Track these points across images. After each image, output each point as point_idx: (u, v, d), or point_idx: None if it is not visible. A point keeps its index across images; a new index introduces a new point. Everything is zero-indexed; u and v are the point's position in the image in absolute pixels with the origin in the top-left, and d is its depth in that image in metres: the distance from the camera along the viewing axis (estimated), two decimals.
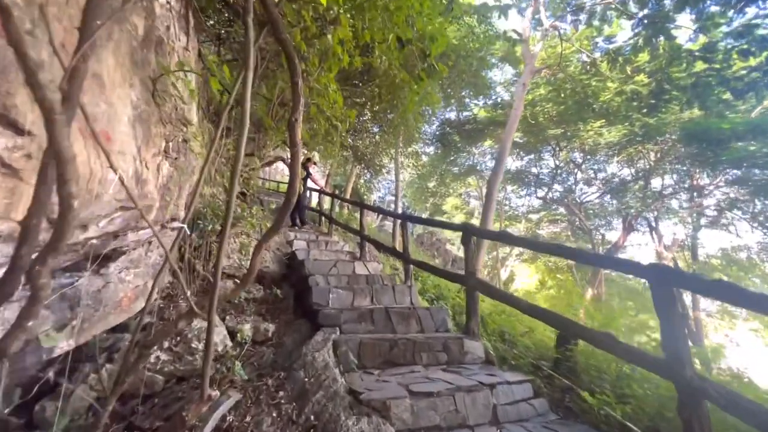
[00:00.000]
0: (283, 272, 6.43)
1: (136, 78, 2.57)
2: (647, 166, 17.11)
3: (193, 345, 3.48)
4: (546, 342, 4.89)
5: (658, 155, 15.66)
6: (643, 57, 12.65)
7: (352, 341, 3.72)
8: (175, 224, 4.74)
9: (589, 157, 18.44)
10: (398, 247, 6.84)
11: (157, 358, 3.30)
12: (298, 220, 9.04)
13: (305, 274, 5.73)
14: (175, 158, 4.13)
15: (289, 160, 7.57)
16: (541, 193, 22.64)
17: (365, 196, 29.64)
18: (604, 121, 14.56)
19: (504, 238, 4.41)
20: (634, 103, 12.26)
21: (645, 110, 12.09)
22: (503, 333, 5.28)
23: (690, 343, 2.41)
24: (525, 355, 4.12)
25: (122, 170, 2.33)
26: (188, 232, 4.95)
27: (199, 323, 3.78)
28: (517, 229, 27.96)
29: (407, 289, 5.35)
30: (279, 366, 3.60)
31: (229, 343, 3.93)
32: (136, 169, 2.64)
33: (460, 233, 4.51)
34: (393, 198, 32.59)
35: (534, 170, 24.51)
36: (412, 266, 5.71)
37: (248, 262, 6.38)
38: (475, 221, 29.48)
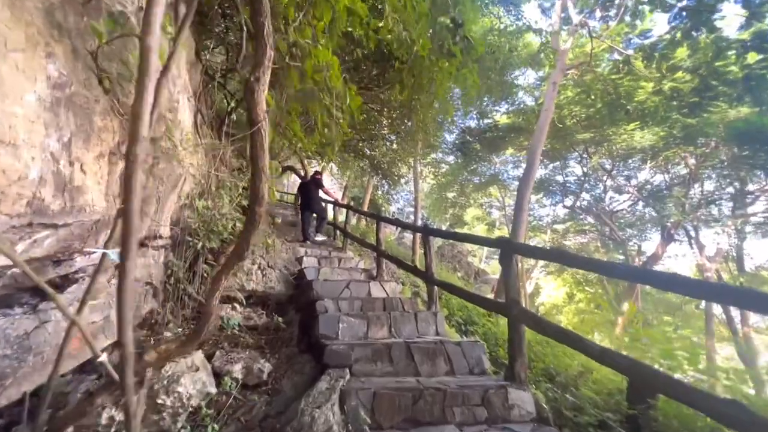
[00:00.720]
0: (290, 293, 5.65)
1: (57, 46, 1.82)
2: (686, 171, 15.75)
3: (159, 400, 2.69)
4: (607, 383, 3.89)
5: (700, 159, 14.32)
6: (682, 52, 11.56)
7: (365, 391, 2.86)
8: (159, 242, 4.03)
9: (621, 162, 17.17)
10: (419, 263, 5.96)
11: (111, 418, 2.51)
12: (311, 234, 8.20)
13: (313, 297, 4.92)
14: (152, 165, 3.42)
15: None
16: (568, 202, 21.35)
17: (383, 208, 28.82)
18: (638, 123, 13.41)
19: (555, 256, 3.50)
20: (674, 103, 11.12)
21: (686, 110, 10.92)
22: (551, 372, 4.30)
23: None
24: (588, 409, 3.16)
25: (18, 170, 1.58)
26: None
27: (173, 367, 2.99)
28: (542, 241, 26.58)
29: (432, 317, 4.47)
30: (270, 426, 2.77)
31: (213, 391, 3.13)
32: (59, 171, 1.88)
33: (497, 250, 3.63)
34: (412, 209, 31.73)
35: (559, 178, 23.31)
36: (437, 288, 4.82)
37: (252, 281, 5.63)
38: (499, 233, 28.25)
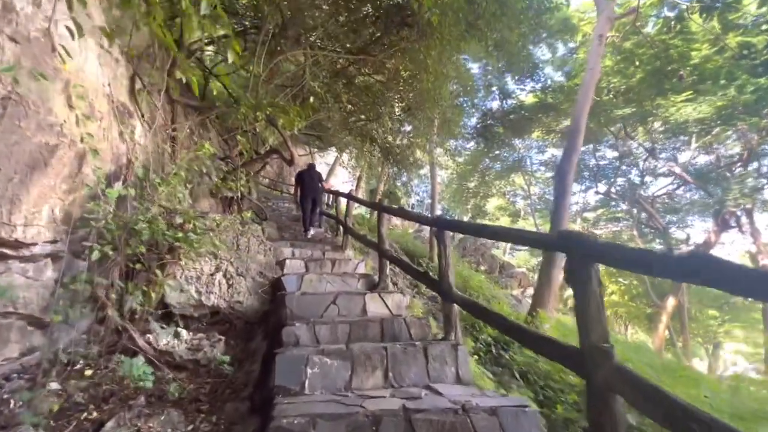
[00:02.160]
0: (264, 309, 4.22)
1: None
2: (742, 149, 13.40)
3: None
4: None
5: (762, 132, 12.01)
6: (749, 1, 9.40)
7: None
8: (34, 251, 2.64)
9: (666, 141, 14.93)
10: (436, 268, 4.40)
11: None
12: (310, 224, 7.20)
13: (284, 319, 3.46)
14: None
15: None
16: (600, 188, 19.15)
17: (402, 200, 27.17)
18: (690, 93, 11.27)
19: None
20: (743, 61, 8.99)
21: (761, 68, 8.79)
22: None
23: None
24: None
25: None
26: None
27: None
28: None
29: (450, 352, 2.92)
30: None
31: None
32: None
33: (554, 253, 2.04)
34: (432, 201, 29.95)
35: (592, 161, 21.05)
36: (457, 307, 3.24)
37: (213, 294, 4.21)
38: (524, 224, 26.17)
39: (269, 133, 5.55)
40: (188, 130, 5.69)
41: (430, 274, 3.54)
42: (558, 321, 6.82)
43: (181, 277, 3.98)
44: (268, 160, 6.19)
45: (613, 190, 17.95)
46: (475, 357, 4.86)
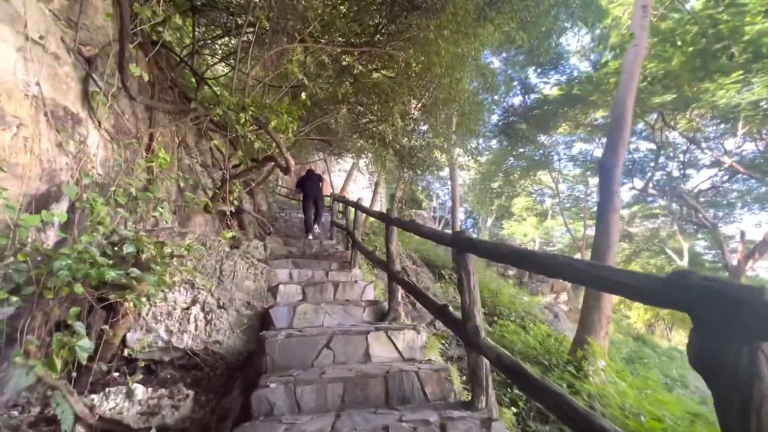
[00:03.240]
0: (249, 349, 3.41)
1: None
2: None
3: None
4: None
5: None
6: None
7: None
8: None
9: (713, 127, 13.33)
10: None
11: None
12: (313, 224, 7.45)
13: (262, 369, 2.64)
14: None
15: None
16: (637, 183, 17.51)
17: (424, 203, 26.05)
18: (741, 73, 9.82)
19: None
20: None
21: None
22: None
23: None
24: None
25: None
26: None
27: None
28: None
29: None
30: None
31: None
32: None
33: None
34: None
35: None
36: (487, 362, 2.29)
37: (188, 334, 3.42)
38: (553, 224, 24.58)
39: (263, 141, 4.74)
40: (173, 139, 5.02)
41: (451, 310, 2.59)
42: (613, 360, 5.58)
43: (147, 314, 3.23)
44: (264, 169, 5.45)
45: (650, 185, 16.30)
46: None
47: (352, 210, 6.01)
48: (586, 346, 4.74)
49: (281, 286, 4.02)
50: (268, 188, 10.40)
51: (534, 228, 25.52)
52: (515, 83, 15.74)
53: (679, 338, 23.50)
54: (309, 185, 7.57)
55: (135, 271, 2.50)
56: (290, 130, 4.56)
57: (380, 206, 19.89)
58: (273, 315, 3.47)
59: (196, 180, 5.56)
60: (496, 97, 15.35)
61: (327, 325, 3.50)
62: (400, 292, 3.78)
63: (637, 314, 23.50)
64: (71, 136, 2.96)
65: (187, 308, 3.43)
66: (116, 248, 2.75)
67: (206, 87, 5.67)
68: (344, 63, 6.82)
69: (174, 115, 4.37)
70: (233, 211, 5.85)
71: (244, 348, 3.42)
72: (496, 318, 6.09)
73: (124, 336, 3.14)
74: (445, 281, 7.30)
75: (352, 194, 16.38)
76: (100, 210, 2.65)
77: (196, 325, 3.39)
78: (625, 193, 21.81)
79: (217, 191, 5.20)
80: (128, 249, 2.68)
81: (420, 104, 7.25)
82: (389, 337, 3.04)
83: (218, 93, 4.27)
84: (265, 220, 6.64)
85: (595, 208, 22.57)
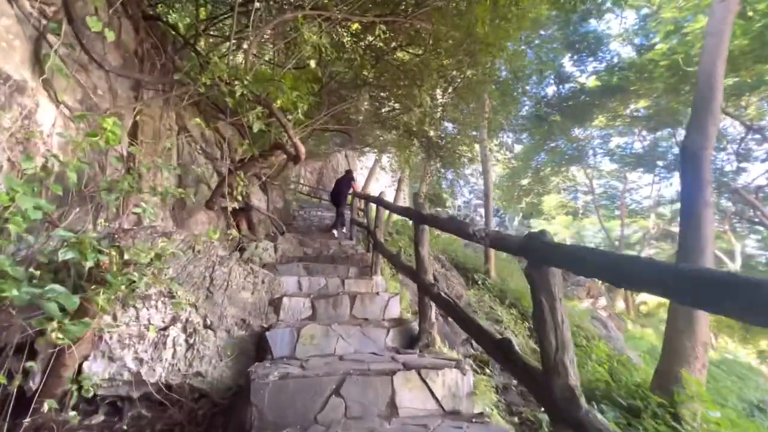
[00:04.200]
0: (240, 383, 2.60)
1: None
2: None
3: None
4: None
5: None
6: None
7: None
8: None
9: None
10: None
11: None
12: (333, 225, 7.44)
13: (244, 428, 1.81)
14: None
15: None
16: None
17: (447, 201, 24.88)
18: None
19: None
20: None
21: None
22: None
23: None
24: None
25: None
26: None
27: None
28: (643, 227, 20.82)
29: None
30: None
31: None
32: None
33: None
34: (479, 201, 27.35)
35: (661, 148, 17.67)
36: None
37: (162, 363, 2.62)
38: (587, 222, 22.92)
39: (267, 124, 3.92)
40: (169, 124, 4.30)
41: (518, 350, 1.65)
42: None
43: (111, 338, 2.48)
44: (275, 161, 4.68)
45: None
46: None
47: (374, 206, 5.16)
48: (685, 386, 3.54)
49: (286, 299, 3.19)
50: (286, 184, 9.69)
51: (564, 227, 23.94)
52: (548, 72, 14.45)
53: (726, 345, 21.39)
54: (337, 186, 7.69)
55: (56, 289, 1.71)
56: (299, 110, 3.74)
57: (404, 204, 18.98)
58: (271, 340, 2.65)
59: (199, 172, 4.83)
60: (527, 87, 14.18)
61: (340, 353, 2.65)
62: (434, 309, 2.87)
63: None
64: (6, 106, 2.23)
65: (165, 329, 2.66)
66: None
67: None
68: (365, 42, 5.96)
69: (157, 90, 3.63)
70: (241, 208, 5.12)
71: (233, 381, 2.61)
72: None
73: (81, 365, 2.40)
74: (478, 287, 6.33)
75: (373, 193, 15.58)
76: (25, 204, 1.88)
77: (175, 352, 2.61)
78: (666, 188, 20.02)
79: (218, 185, 4.45)
80: (65, 255, 1.91)
81: (450, 88, 6.28)
82: (423, 380, 2.16)
83: (209, 60, 3.51)
84: (276, 218, 5.88)
85: (633, 206, 20.83)
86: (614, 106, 14.94)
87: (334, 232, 7.23)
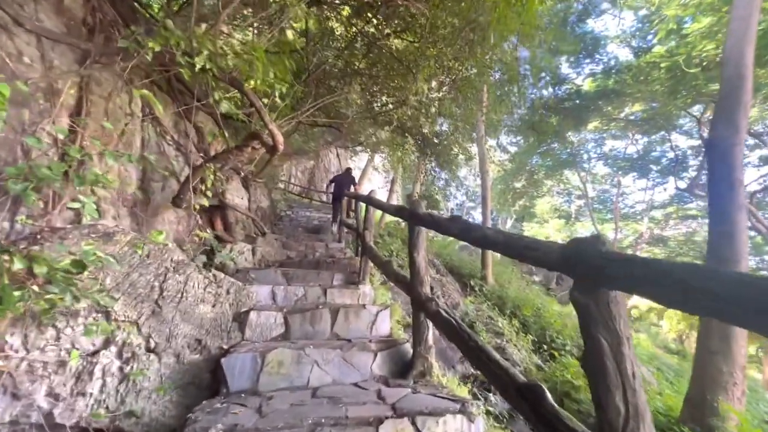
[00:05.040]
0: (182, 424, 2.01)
1: None
2: None
3: None
4: None
5: None
6: None
7: None
8: None
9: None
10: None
11: None
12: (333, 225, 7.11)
13: None
14: None
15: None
16: (680, 183, 15.49)
17: (440, 205, 24.34)
18: None
19: None
20: None
21: None
22: None
23: None
24: None
25: None
26: None
27: None
28: (635, 232, 20.56)
29: None
30: None
31: None
32: None
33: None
34: (472, 204, 26.91)
35: (654, 153, 17.37)
36: None
37: (86, 398, 2.04)
38: (580, 227, 22.61)
39: (255, 120, 3.35)
40: (132, 110, 3.70)
41: (555, 410, 1.07)
42: None
43: (18, 369, 1.90)
44: (249, 151, 4.10)
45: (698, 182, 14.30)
46: None
47: (363, 206, 4.61)
48: (724, 418, 2.99)
49: (254, 314, 2.62)
50: (273, 183, 9.10)
51: (557, 231, 23.62)
52: (543, 74, 14.05)
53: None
54: (337, 185, 7.56)
55: None
56: (278, 94, 3.18)
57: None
58: (227, 368, 2.08)
59: (171, 167, 4.24)
60: (524, 88, 13.77)
61: (315, 384, 2.10)
62: (432, 329, 2.33)
63: (670, 324, 21.33)
64: None
65: (94, 354, 2.08)
66: None
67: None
68: (357, 28, 5.42)
69: (108, 64, 3.04)
70: (215, 206, 4.53)
71: (177, 422, 2.04)
72: (545, 347, 4.54)
73: None
74: (475, 294, 5.80)
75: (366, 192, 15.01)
76: None
77: (104, 384, 2.04)
78: (660, 194, 19.80)
79: (185, 180, 3.86)
80: None
81: (448, 79, 5.77)
82: (415, 426, 1.60)
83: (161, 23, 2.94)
84: (257, 218, 5.29)
85: (625, 210, 20.54)
86: (611, 111, 14.59)
87: (333, 227, 7.10)
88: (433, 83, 6.05)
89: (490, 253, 7.98)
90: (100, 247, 2.33)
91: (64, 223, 2.64)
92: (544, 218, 23.04)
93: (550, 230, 23.73)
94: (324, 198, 14.50)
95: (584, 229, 21.82)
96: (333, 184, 7.90)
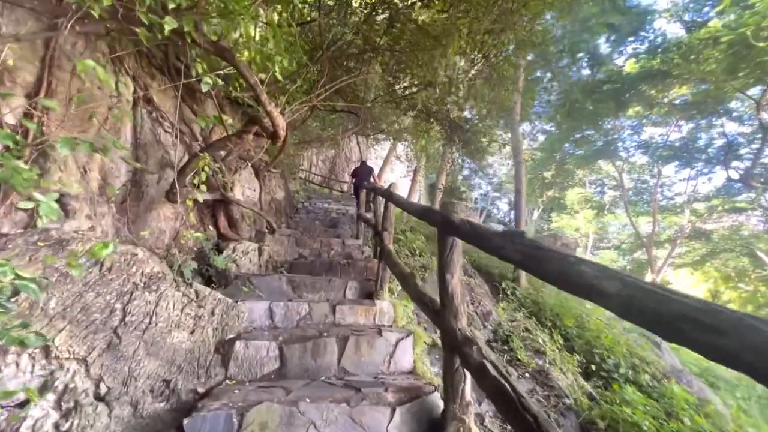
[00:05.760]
0: None
1: None
2: None
3: None
4: None
5: None
6: None
7: None
8: None
9: None
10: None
11: None
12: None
13: None
14: None
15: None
16: (728, 173, 13.93)
17: (464, 195, 23.26)
18: None
19: None
20: None
21: None
22: None
23: None
24: None
25: None
26: None
27: None
28: (672, 224, 18.95)
29: None
30: None
31: None
32: None
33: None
34: (497, 194, 25.69)
35: (702, 138, 15.68)
36: None
37: None
38: (612, 218, 21.17)
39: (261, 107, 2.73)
40: (125, 91, 3.16)
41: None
42: None
43: None
44: (250, 137, 3.50)
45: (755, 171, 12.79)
46: None
47: (382, 201, 3.96)
48: None
49: (240, 345, 2.04)
50: (292, 172, 8.57)
51: (587, 221, 22.19)
52: (581, 54, 12.77)
53: None
54: (358, 176, 7.38)
55: None
56: (275, 66, 2.53)
57: (419, 197, 17.66)
58: (196, 427, 1.50)
59: (164, 155, 3.73)
60: (555, 67, 12.57)
61: None
62: (470, 380, 1.67)
63: None
64: None
65: (23, 405, 1.56)
66: None
67: None
68: None
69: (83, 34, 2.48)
70: (218, 200, 3.99)
71: None
72: (595, 369, 3.77)
73: None
74: (508, 299, 5.05)
75: (387, 183, 14.33)
76: None
77: None
78: (704, 185, 18.06)
79: (181, 172, 3.32)
80: None
81: (480, 56, 4.95)
82: None
83: None
84: (263, 213, 4.74)
85: (663, 202, 18.99)
86: (653, 93, 13.15)
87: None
88: (462, 62, 5.24)
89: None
90: (50, 257, 1.80)
91: (16, 228, 2.14)
92: (574, 209, 21.65)
93: (580, 221, 22.34)
94: (344, 188, 13.94)
95: (617, 220, 20.35)
96: (353, 178, 7.72)
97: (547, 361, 3.49)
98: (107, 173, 3.03)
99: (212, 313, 2.17)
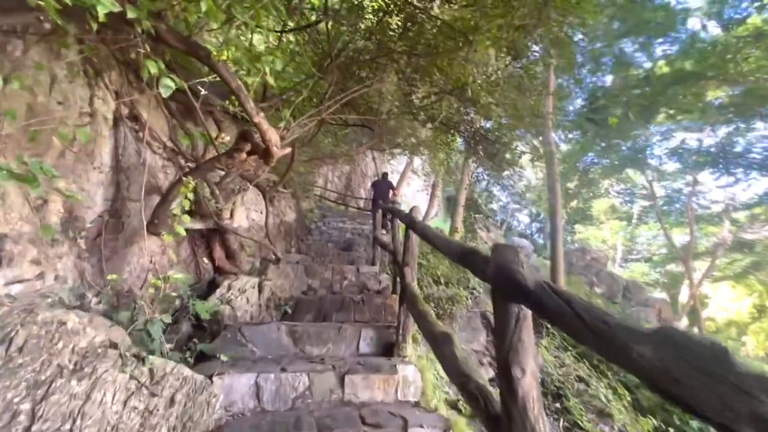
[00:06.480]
0: None
1: None
2: None
3: None
4: None
5: None
6: None
7: None
8: None
9: None
10: None
11: None
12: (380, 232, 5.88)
13: None
14: None
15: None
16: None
17: (482, 208, 22.17)
18: None
19: None
20: None
21: None
22: None
23: None
24: None
25: None
26: None
27: None
28: (708, 234, 17.44)
29: None
30: None
31: None
32: None
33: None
34: (517, 206, 24.57)
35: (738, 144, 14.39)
36: None
37: None
38: (644, 230, 19.78)
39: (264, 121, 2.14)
40: (105, 109, 2.65)
41: None
42: None
43: None
44: (242, 156, 2.94)
45: None
46: None
47: (402, 226, 3.28)
48: None
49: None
50: (305, 190, 8.03)
51: (614, 233, 20.83)
52: (606, 58, 11.94)
53: None
54: (377, 190, 7.20)
55: None
56: (267, 69, 1.94)
57: (437, 212, 16.85)
58: None
59: (150, 179, 3.16)
60: (579, 75, 11.77)
61: None
62: None
63: (756, 340, 17.96)
64: None
65: None
66: None
67: None
68: None
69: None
70: (212, 229, 3.41)
71: None
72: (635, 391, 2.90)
73: None
74: (550, 336, 4.20)
75: (404, 198, 13.65)
76: None
77: None
78: (743, 193, 16.59)
79: (166, 193, 2.76)
80: None
81: (509, 58, 4.28)
82: None
83: None
84: (263, 241, 4.12)
85: (699, 212, 17.57)
86: (685, 97, 12.13)
87: (383, 232, 6.30)
88: (490, 64, 4.57)
89: (561, 272, 6.32)
90: None
91: None
92: (600, 220, 20.38)
93: (606, 232, 21.01)
94: (361, 204, 13.35)
95: (649, 231, 18.94)
96: (372, 191, 7.31)
97: (616, 428, 2.68)
98: (74, 205, 2.48)
99: (171, 402, 1.53)
